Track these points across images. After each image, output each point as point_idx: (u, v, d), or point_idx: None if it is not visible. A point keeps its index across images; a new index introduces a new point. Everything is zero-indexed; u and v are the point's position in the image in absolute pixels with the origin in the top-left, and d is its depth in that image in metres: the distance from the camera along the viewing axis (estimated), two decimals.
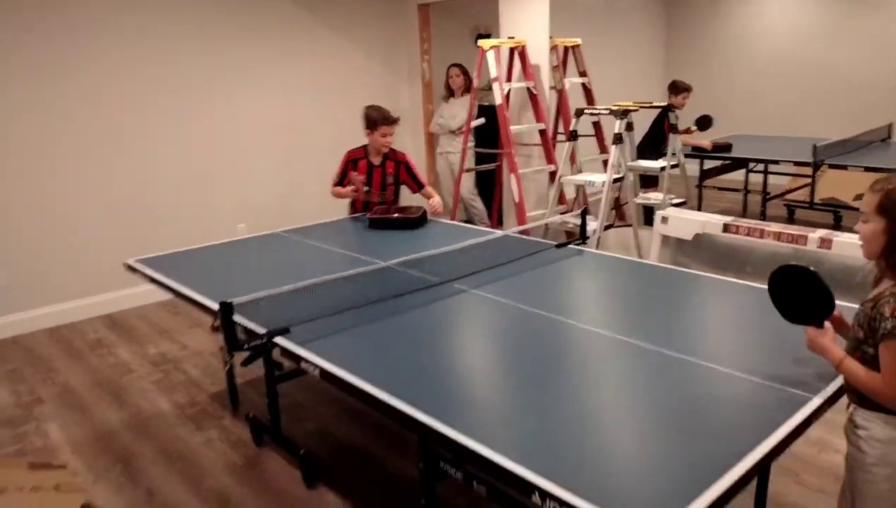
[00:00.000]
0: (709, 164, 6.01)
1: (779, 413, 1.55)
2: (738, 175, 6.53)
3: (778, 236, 3.74)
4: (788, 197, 6.41)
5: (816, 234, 3.59)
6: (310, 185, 5.35)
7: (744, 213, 6.40)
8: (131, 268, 3.00)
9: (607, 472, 1.40)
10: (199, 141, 4.85)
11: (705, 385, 1.75)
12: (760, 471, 2.24)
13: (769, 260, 3.80)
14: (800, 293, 1.62)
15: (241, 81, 5.01)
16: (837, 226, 5.97)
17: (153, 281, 2.82)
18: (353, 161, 3.69)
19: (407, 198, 3.95)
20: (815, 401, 1.58)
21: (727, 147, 5.78)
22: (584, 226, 3.16)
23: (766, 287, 1.69)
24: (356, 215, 3.79)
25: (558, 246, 3.05)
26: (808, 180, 6.09)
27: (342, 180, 3.71)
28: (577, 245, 3.09)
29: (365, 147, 3.70)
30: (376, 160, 3.69)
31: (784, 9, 7.65)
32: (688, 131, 5.75)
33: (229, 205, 5.05)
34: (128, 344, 4.05)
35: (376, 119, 3.55)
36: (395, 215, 3.51)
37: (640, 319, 2.25)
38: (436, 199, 3.68)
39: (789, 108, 7.70)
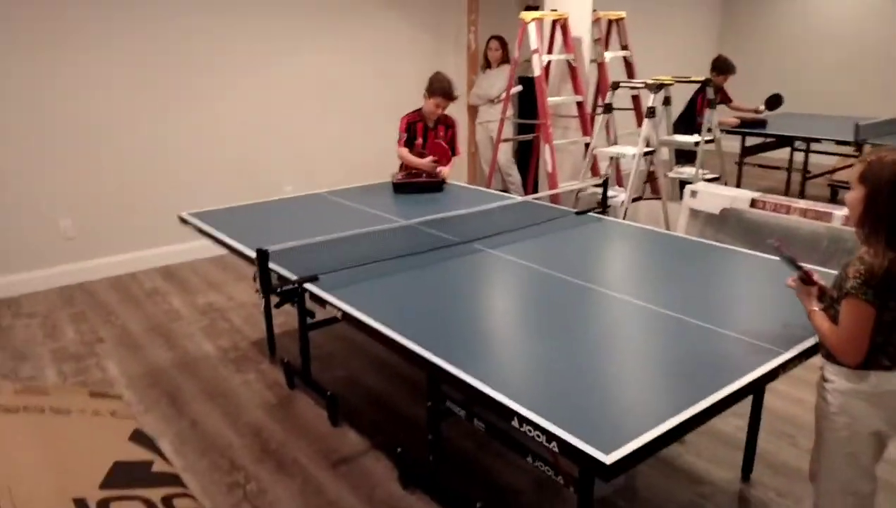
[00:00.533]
0: (750, 142, 5.95)
1: (751, 362, 1.69)
2: (784, 153, 6.44)
3: (804, 212, 3.76)
4: (834, 177, 6.29)
5: (841, 212, 3.59)
6: (359, 149, 5.57)
7: (786, 192, 6.33)
8: (184, 220, 3.28)
9: (586, 406, 1.56)
10: (253, 103, 5.10)
11: (693, 340, 1.88)
12: (749, 430, 2.38)
13: (793, 236, 3.83)
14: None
15: (296, 46, 5.22)
16: None
17: (202, 232, 3.09)
18: (412, 123, 3.88)
19: None
20: (784, 356, 1.71)
21: (761, 123, 5.71)
22: (605, 195, 3.27)
23: (776, 258, 1.87)
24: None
25: (578, 213, 3.18)
26: (854, 161, 5.96)
27: (408, 143, 3.88)
28: (598, 213, 3.21)
29: (419, 110, 3.89)
30: (431, 123, 3.89)
31: None
32: (756, 111, 5.73)
33: (279, 166, 5.31)
34: (180, 293, 4.38)
35: (436, 89, 3.75)
36: (415, 180, 3.74)
37: (642, 281, 2.38)
38: (443, 170, 3.84)
39: (842, 88, 7.48)
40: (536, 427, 1.46)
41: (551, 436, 1.43)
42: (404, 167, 3.96)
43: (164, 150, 4.76)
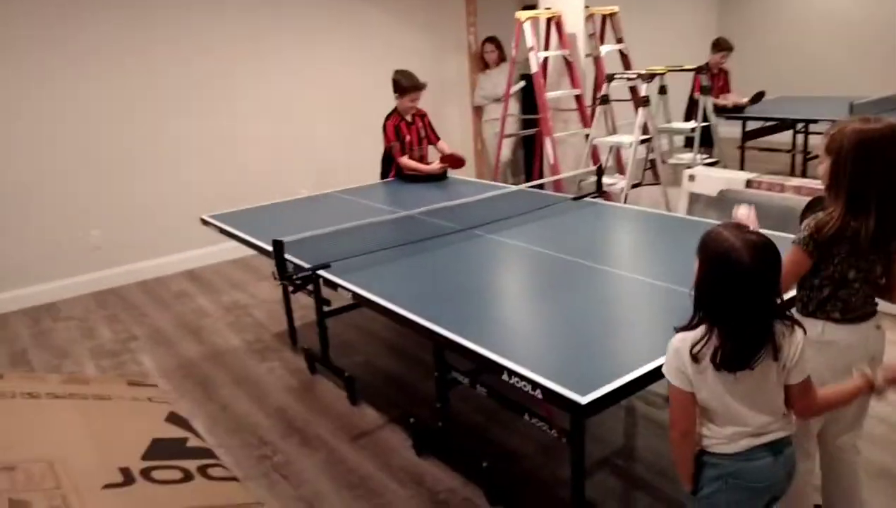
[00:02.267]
0: (751, 126, 6.08)
1: None
2: (786, 136, 6.54)
3: (798, 190, 3.91)
4: None
5: None
6: (368, 151, 5.79)
7: (791, 173, 6.43)
8: (206, 222, 3.53)
9: (571, 361, 1.76)
10: (269, 112, 5.36)
11: (676, 304, 2.07)
12: None
13: (787, 213, 3.98)
14: None
15: (306, 56, 5.47)
16: None
17: (223, 231, 3.34)
18: (397, 126, 4.08)
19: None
20: None
21: (741, 109, 5.87)
22: (599, 180, 3.46)
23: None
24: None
25: (575, 198, 3.37)
26: None
27: (404, 148, 4.09)
28: (593, 198, 3.40)
29: (396, 111, 4.10)
30: (409, 119, 4.11)
31: None
32: (740, 103, 5.92)
33: (294, 171, 5.55)
34: (205, 294, 4.64)
35: (406, 87, 3.96)
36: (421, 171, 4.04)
37: (631, 256, 2.58)
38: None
39: (840, 68, 7.56)
40: (522, 377, 1.67)
41: (535, 384, 1.63)
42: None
43: (184, 159, 5.03)
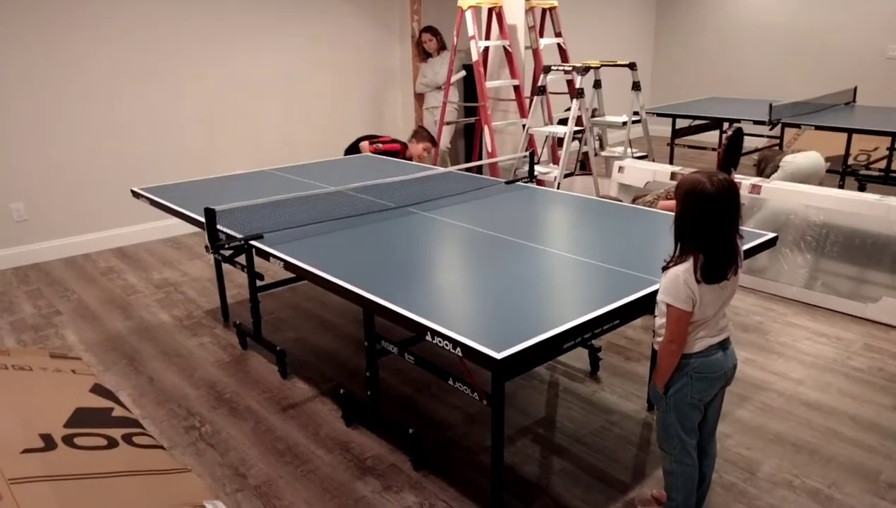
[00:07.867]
0: (680, 124, 6.36)
1: (631, 289, 2.00)
2: (713, 135, 6.87)
3: None
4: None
5: (748, 181, 3.99)
6: (304, 130, 5.78)
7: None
8: (136, 194, 3.46)
9: (491, 324, 1.85)
10: (208, 89, 5.26)
11: (590, 275, 2.19)
12: (652, 367, 2.70)
13: None
14: None
15: (249, 37, 5.38)
16: None
17: (154, 203, 3.29)
18: (391, 153, 4.72)
19: None
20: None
21: None
22: (531, 166, 3.57)
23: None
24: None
25: (507, 182, 3.47)
26: (779, 140, 6.43)
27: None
28: (525, 182, 3.51)
29: (405, 148, 4.98)
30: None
31: None
32: None
33: (231, 150, 5.48)
34: (135, 271, 4.53)
35: (426, 136, 5.04)
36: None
37: (550, 232, 2.69)
38: None
39: (765, 72, 7.99)
40: (444, 337, 1.74)
41: (455, 343, 1.71)
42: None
43: (118, 132, 4.89)
